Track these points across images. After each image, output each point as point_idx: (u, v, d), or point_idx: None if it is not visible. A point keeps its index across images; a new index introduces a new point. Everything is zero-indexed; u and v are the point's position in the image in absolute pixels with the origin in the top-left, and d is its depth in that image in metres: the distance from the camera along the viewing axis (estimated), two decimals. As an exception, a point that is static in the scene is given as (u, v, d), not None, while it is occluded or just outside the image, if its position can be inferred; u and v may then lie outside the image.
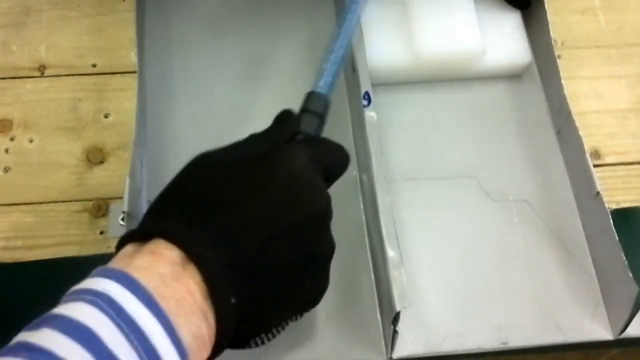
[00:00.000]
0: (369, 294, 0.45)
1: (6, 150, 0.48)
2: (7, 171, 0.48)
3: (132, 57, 0.51)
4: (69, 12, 0.54)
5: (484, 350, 0.43)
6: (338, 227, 0.46)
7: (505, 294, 0.45)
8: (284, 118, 0.38)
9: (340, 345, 0.43)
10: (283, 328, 0.36)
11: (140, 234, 0.31)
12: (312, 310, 0.44)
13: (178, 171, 0.34)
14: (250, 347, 0.34)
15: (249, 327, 0.33)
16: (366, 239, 0.46)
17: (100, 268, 0.28)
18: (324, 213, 0.34)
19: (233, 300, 0.30)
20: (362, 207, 0.48)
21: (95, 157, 0.48)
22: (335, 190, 0.48)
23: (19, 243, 0.45)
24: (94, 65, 0.52)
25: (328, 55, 0.41)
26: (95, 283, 0.27)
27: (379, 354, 0.43)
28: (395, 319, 0.39)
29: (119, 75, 0.52)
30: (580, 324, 0.44)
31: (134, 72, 0.49)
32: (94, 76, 0.52)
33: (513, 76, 0.53)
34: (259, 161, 0.33)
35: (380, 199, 0.42)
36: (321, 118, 0.39)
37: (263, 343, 0.35)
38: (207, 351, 0.30)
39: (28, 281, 0.44)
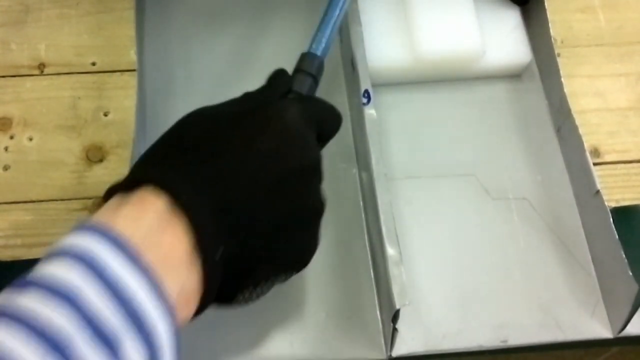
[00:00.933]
0: (369, 292, 0.45)
1: (5, 149, 0.48)
2: (6, 169, 0.48)
3: (132, 56, 0.51)
4: (68, 11, 0.54)
5: (483, 349, 0.43)
6: (337, 225, 0.47)
7: (505, 292, 0.45)
8: (277, 76, 0.38)
9: (340, 343, 0.43)
10: (269, 288, 0.35)
11: (128, 183, 0.31)
12: (312, 309, 0.44)
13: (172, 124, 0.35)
14: (236, 304, 0.34)
15: (236, 281, 0.32)
16: (366, 236, 0.46)
17: (85, 221, 0.28)
18: (314, 168, 0.35)
19: (221, 250, 0.30)
20: (361, 205, 0.48)
21: (94, 155, 0.48)
22: (335, 188, 0.48)
23: (18, 241, 0.45)
24: (94, 64, 0.52)
25: (323, 17, 0.41)
26: (80, 239, 0.27)
27: (379, 351, 0.43)
28: (395, 316, 0.39)
29: (119, 73, 0.52)
30: (580, 322, 0.44)
31: (134, 70, 0.49)
32: (93, 74, 0.52)
33: (513, 76, 0.53)
34: (251, 114, 0.34)
35: (380, 197, 0.42)
36: (314, 78, 0.39)
37: (249, 302, 0.34)
38: (194, 304, 0.30)
39: (27, 279, 0.44)
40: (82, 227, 0.28)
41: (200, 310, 0.31)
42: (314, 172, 0.35)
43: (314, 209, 0.35)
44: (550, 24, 0.50)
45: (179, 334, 0.28)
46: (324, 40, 0.40)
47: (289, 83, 0.38)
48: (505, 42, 0.52)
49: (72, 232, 0.28)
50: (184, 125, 0.34)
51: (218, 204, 0.30)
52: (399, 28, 0.51)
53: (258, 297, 0.35)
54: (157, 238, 0.28)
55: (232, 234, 0.31)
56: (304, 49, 0.41)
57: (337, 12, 0.41)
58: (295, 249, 0.35)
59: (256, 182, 0.32)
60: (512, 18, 0.53)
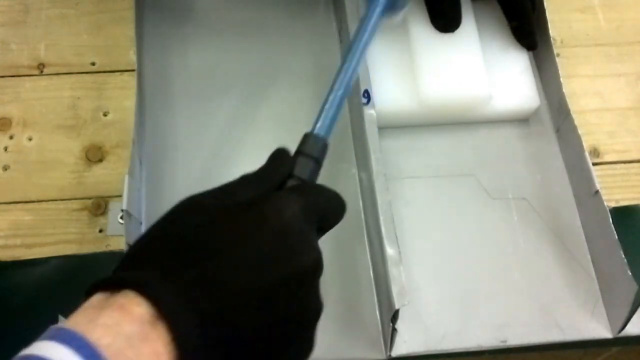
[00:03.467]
0: (368, 292, 0.45)
1: (5, 149, 0.48)
2: (6, 169, 0.48)
3: (131, 56, 0.51)
4: (68, 11, 0.54)
5: (483, 349, 0.43)
6: (337, 226, 0.46)
7: (505, 292, 0.45)
8: (278, 158, 0.36)
9: (339, 344, 0.43)
10: None
11: (112, 283, 0.28)
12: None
13: (162, 214, 0.32)
14: None
15: None
16: (365, 237, 0.46)
17: (59, 327, 0.26)
18: (314, 270, 0.31)
19: None
20: (361, 205, 0.48)
21: (94, 155, 0.48)
22: (335, 188, 0.48)
23: (18, 241, 0.45)
24: (93, 64, 0.52)
25: (327, 96, 0.39)
26: (51, 351, 0.25)
27: (378, 352, 0.43)
28: (395, 316, 0.39)
29: (118, 73, 0.52)
30: (580, 322, 0.44)
31: (133, 70, 0.49)
32: (93, 74, 0.52)
33: (521, 120, 0.52)
34: (247, 209, 0.31)
35: (380, 197, 0.42)
36: (317, 162, 0.36)
37: None
38: None
39: (27, 279, 0.44)
40: (57, 334, 0.26)
41: None
42: (313, 273, 0.32)
43: (312, 312, 0.32)
44: (549, 24, 0.50)
45: None
46: (327, 122, 0.38)
47: (289, 166, 0.35)
48: (513, 87, 0.50)
49: (45, 339, 0.25)
50: (174, 218, 0.32)
51: (205, 311, 0.28)
52: (405, 71, 0.49)
53: None
54: (136, 350, 0.26)
55: (218, 345, 0.28)
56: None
57: (342, 91, 0.39)
58: (289, 356, 0.32)
59: (250, 287, 0.29)
60: (521, 61, 0.51)
